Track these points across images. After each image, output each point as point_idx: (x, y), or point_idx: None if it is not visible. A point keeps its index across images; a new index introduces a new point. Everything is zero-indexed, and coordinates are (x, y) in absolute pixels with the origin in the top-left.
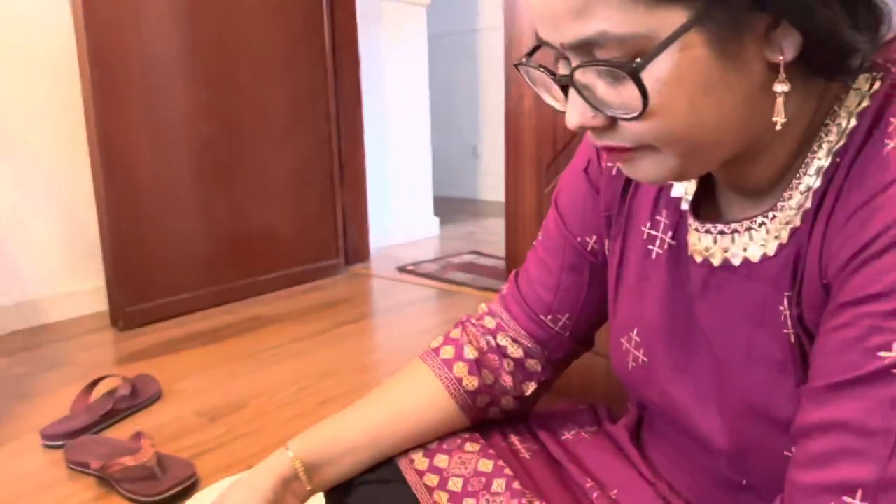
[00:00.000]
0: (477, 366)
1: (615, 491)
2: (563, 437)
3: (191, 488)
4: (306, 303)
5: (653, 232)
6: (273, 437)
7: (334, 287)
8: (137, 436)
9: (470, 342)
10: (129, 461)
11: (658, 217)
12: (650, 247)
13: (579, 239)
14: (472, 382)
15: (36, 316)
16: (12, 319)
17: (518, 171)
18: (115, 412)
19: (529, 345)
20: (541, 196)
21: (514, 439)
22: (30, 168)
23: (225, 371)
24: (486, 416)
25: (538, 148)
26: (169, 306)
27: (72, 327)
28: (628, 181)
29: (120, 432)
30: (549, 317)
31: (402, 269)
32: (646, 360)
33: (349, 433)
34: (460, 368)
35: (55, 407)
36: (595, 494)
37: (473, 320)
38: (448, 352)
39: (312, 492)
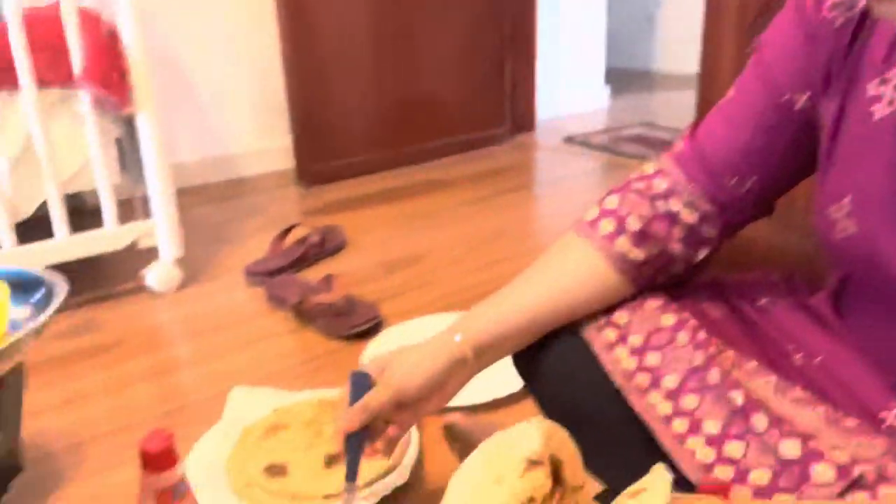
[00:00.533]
0: (641, 237)
1: (819, 358)
2: (758, 304)
3: (376, 327)
4: (473, 169)
5: (879, 91)
6: (447, 289)
7: (500, 155)
8: (328, 278)
9: (632, 212)
10: (322, 299)
11: (888, 75)
12: (874, 107)
13: (787, 96)
14: (637, 255)
15: (231, 170)
16: (211, 172)
17: (718, 32)
18: (306, 257)
19: (707, 208)
20: (741, 58)
21: (702, 299)
22: (222, 33)
23: (401, 228)
24: (653, 284)
25: (742, 5)
26: (348, 167)
27: (262, 181)
28: (855, 34)
29: (311, 275)
30: (735, 179)
31: (569, 140)
32: (857, 229)
33: (509, 316)
34: (623, 243)
35: (253, 250)
36: (798, 356)
37: (636, 185)
38: (608, 225)
39: (473, 374)
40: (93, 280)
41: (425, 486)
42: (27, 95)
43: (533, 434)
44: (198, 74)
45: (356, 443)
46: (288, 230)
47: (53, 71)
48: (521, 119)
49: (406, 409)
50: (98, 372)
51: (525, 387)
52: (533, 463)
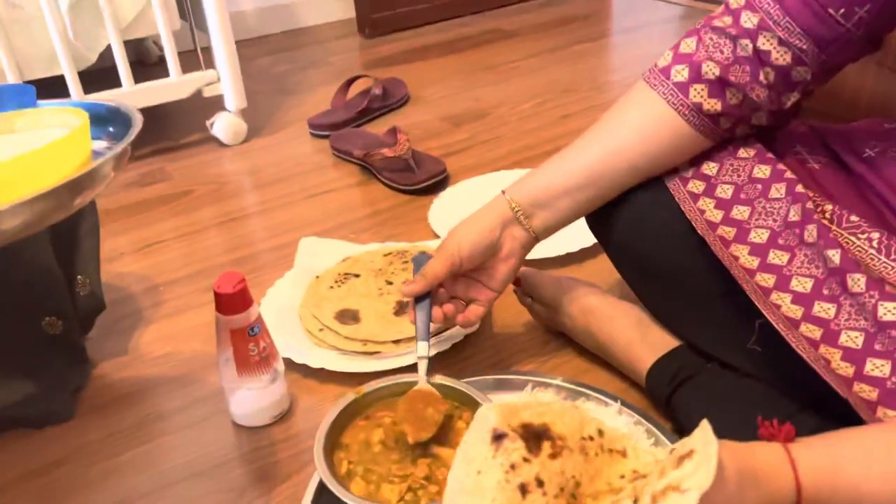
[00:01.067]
0: (720, 85)
1: None
2: (865, 154)
3: (442, 182)
4: (543, 18)
5: None
6: (515, 144)
7: (573, 3)
8: (393, 130)
9: (710, 57)
10: (387, 152)
11: None
12: None
13: None
14: (713, 106)
15: (290, 20)
16: (270, 22)
17: None
18: (370, 110)
19: (803, 46)
20: None
21: (800, 149)
22: None
23: (465, 80)
24: (732, 136)
25: None
26: (410, 15)
27: (322, 32)
28: None
29: (375, 128)
30: (842, 10)
31: None
32: None
33: (564, 175)
34: (698, 92)
35: (316, 102)
36: None
37: (717, 22)
38: (681, 72)
39: (535, 238)
40: (161, 131)
41: (494, 334)
42: None
43: (487, 414)
44: None
45: (423, 310)
46: (350, 81)
47: None
48: None
49: (473, 278)
50: (169, 220)
51: (597, 242)
52: (496, 437)
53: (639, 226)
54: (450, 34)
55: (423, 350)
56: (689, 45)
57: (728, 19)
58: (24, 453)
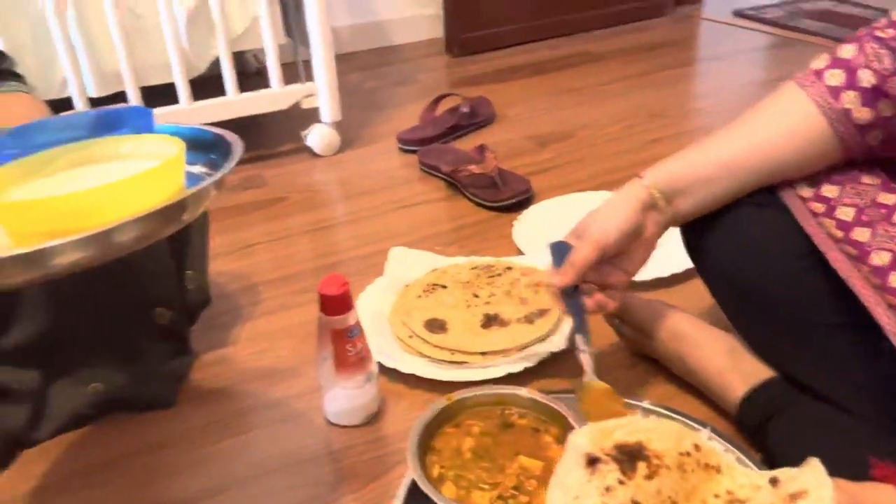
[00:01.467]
0: (873, 94)
1: None
2: None
3: (527, 200)
4: (630, 42)
5: None
6: (600, 167)
7: (660, 28)
8: (481, 148)
9: (868, 65)
10: (475, 169)
11: None
12: None
13: None
14: (863, 116)
15: (381, 37)
16: (361, 39)
17: None
18: (458, 127)
19: None
20: None
21: None
22: None
23: (551, 102)
24: (876, 156)
25: None
26: (497, 37)
27: (411, 50)
28: None
29: (462, 145)
30: None
31: (739, 14)
32: None
33: (703, 164)
34: (850, 98)
35: (405, 118)
36: None
37: (880, 32)
38: (836, 76)
39: (673, 221)
40: (259, 138)
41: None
42: None
43: (579, 440)
44: None
45: (575, 301)
46: (439, 99)
47: None
48: None
49: (613, 263)
50: (264, 224)
51: (693, 266)
52: (591, 462)
53: (744, 246)
54: (536, 56)
55: (583, 343)
56: (848, 51)
57: (891, 31)
58: (129, 433)
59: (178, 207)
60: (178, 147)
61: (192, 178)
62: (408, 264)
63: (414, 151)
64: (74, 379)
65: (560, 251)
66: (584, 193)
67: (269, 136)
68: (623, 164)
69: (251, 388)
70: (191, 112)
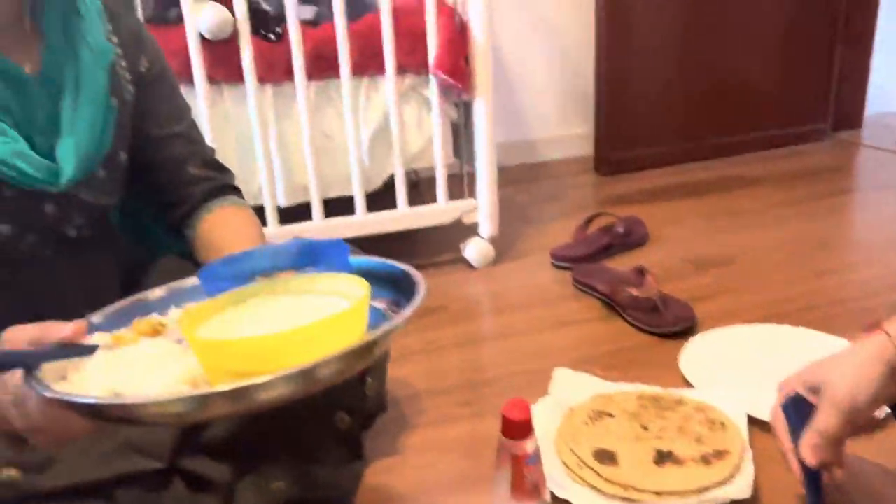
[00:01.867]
0: None
1: None
2: None
3: (691, 328)
4: (786, 167)
5: None
6: (766, 296)
7: (817, 153)
8: (640, 270)
9: None
10: (635, 291)
11: None
12: None
13: None
14: None
15: (531, 154)
16: (514, 154)
17: None
18: (611, 246)
19: None
20: None
21: None
22: (537, 16)
23: (706, 224)
24: None
25: None
26: (648, 157)
27: (560, 167)
28: None
29: (615, 264)
30: None
31: None
32: None
33: None
34: None
35: (555, 233)
36: None
37: None
38: None
39: None
40: (417, 247)
41: None
42: (389, 80)
43: None
44: (511, 59)
45: (815, 479)
46: (592, 218)
47: (411, 58)
48: (847, 114)
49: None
50: (423, 332)
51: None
52: None
53: None
54: (688, 177)
55: None
56: None
57: None
58: None
59: (371, 346)
60: (364, 290)
61: (374, 311)
62: (572, 387)
63: (568, 268)
64: (260, 476)
65: (799, 409)
66: (755, 326)
67: (427, 246)
68: (790, 296)
69: (422, 500)
70: (365, 222)
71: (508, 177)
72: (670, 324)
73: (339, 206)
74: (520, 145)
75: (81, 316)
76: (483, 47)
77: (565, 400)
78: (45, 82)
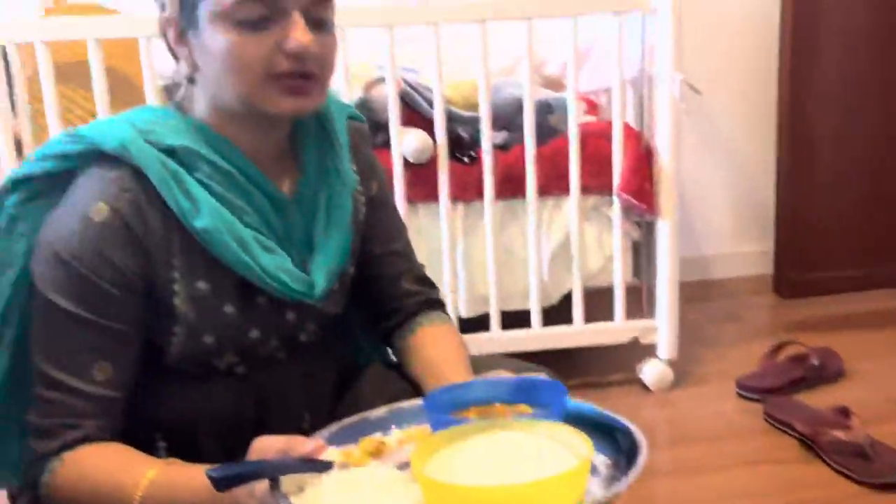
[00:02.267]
0: None
1: None
2: None
3: None
4: None
5: None
6: None
7: None
8: (844, 411)
9: None
10: (840, 435)
11: None
12: None
13: None
14: None
15: (703, 270)
16: (686, 270)
17: None
18: (804, 380)
19: None
20: None
21: None
22: (712, 129)
23: None
24: None
25: None
26: (835, 281)
27: (735, 285)
28: None
29: (809, 400)
30: None
31: None
32: None
33: None
34: None
35: (738, 358)
36: None
37: None
38: None
39: None
40: (588, 365)
41: None
42: (572, 200)
43: None
44: (685, 171)
45: None
46: (780, 346)
47: (595, 180)
48: None
49: None
50: None
51: None
52: None
53: None
54: (880, 304)
55: None
56: None
57: None
58: None
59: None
60: (589, 448)
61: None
62: None
63: (755, 400)
64: None
65: None
66: None
67: (599, 364)
68: None
69: None
70: (540, 336)
71: (682, 294)
72: (884, 473)
73: (516, 318)
74: (693, 261)
75: (301, 417)
76: (669, 172)
77: None
78: (301, 205)
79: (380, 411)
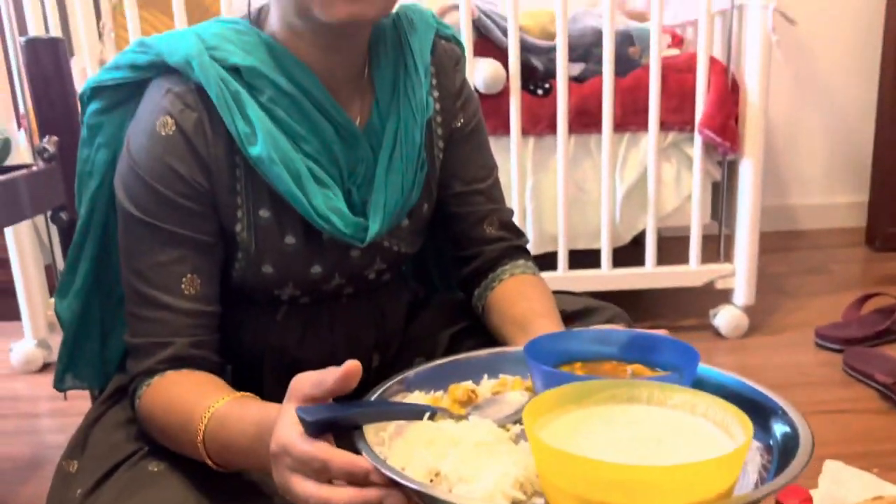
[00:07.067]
0: None
1: None
2: None
3: None
4: None
5: None
6: None
7: None
8: None
9: None
10: None
11: None
12: None
13: None
14: None
15: (789, 220)
16: (771, 220)
17: None
18: (888, 332)
19: None
20: None
21: None
22: (812, 76)
23: None
24: None
25: None
26: None
27: (822, 237)
28: None
29: (891, 351)
30: None
31: None
32: None
33: None
34: None
35: (819, 310)
36: None
37: None
38: None
39: None
40: (660, 308)
41: None
42: (651, 136)
43: None
44: (778, 117)
45: None
46: (865, 298)
47: (676, 115)
48: None
49: None
50: None
51: None
52: None
53: None
54: None
55: None
56: None
57: None
58: None
59: None
60: (746, 431)
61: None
62: (844, 483)
63: (836, 350)
64: None
65: None
66: None
67: (670, 308)
68: None
69: None
70: (610, 277)
71: (765, 244)
72: None
73: (584, 258)
74: (779, 210)
75: (370, 356)
76: (756, 107)
77: (839, 496)
78: (369, 136)
79: (473, 355)
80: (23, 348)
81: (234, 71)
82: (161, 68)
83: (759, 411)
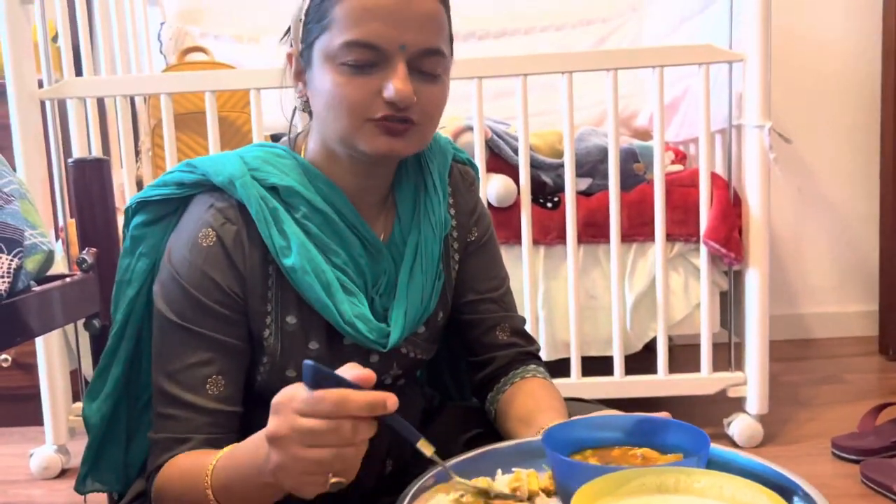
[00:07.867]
0: None
1: None
2: None
3: None
4: None
5: None
6: None
7: None
8: None
9: None
10: None
11: None
12: None
13: None
14: None
15: (800, 329)
16: (781, 329)
17: None
18: None
19: None
20: None
21: None
22: (814, 189)
23: None
24: None
25: None
26: None
27: (835, 346)
28: None
29: None
30: None
31: None
32: None
33: None
34: None
35: (834, 420)
36: None
37: None
38: None
39: None
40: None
41: None
42: (658, 248)
43: None
44: (783, 229)
45: None
46: (881, 407)
47: (681, 227)
48: None
49: None
50: None
51: None
52: None
53: None
54: None
55: None
56: None
57: None
58: None
59: None
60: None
61: None
62: None
63: (853, 461)
64: None
65: None
66: None
67: (684, 416)
68: None
69: None
70: (622, 384)
71: (776, 353)
72: None
73: (597, 365)
74: (790, 319)
75: (383, 458)
76: (759, 220)
77: None
78: (392, 249)
79: (478, 452)
80: (43, 454)
81: (273, 190)
82: (205, 186)
83: (780, 493)
